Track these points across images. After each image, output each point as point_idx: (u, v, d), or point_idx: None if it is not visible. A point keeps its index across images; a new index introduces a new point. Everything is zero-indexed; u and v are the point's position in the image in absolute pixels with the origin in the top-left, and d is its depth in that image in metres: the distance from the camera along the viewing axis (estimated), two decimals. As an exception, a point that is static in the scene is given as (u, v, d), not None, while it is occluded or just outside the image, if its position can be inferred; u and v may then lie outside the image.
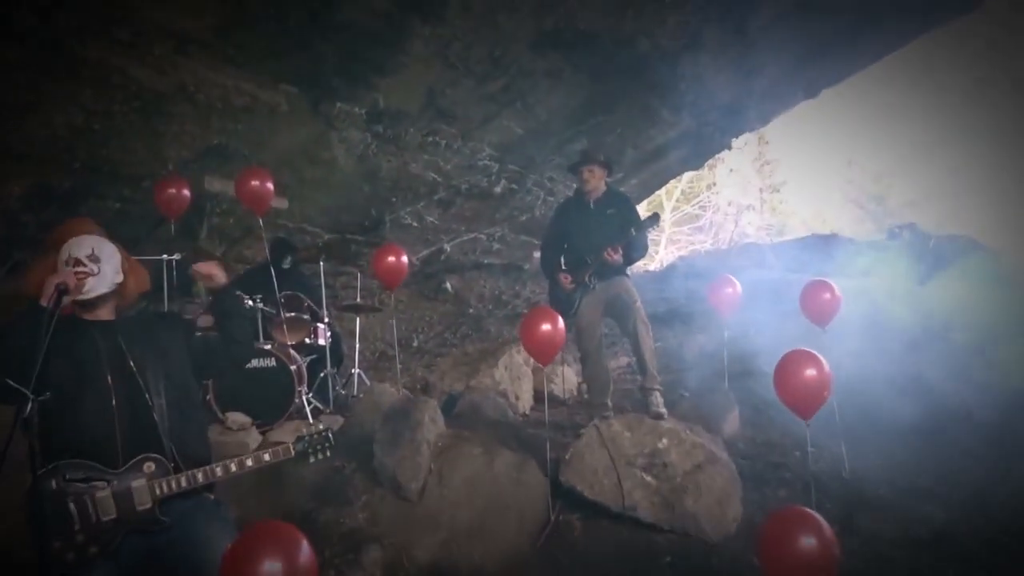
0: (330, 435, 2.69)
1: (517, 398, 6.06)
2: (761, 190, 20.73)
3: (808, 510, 2.73)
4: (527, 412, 6.11)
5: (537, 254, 10.69)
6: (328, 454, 2.70)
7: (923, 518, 4.08)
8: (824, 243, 11.05)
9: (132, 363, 2.59)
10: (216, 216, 7.21)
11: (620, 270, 5.03)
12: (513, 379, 6.11)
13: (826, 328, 5.11)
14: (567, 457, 4.35)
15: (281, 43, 5.85)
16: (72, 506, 2.39)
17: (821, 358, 3.78)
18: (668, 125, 9.25)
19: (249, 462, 2.59)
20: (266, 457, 2.60)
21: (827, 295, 5.13)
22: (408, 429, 4.40)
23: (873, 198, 19.97)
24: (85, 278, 2.57)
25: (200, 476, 2.53)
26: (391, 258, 5.98)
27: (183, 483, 2.50)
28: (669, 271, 11.14)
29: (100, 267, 2.62)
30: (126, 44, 5.31)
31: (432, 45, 6.41)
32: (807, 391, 3.75)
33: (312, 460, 2.68)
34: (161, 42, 5.42)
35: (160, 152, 6.29)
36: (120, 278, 2.72)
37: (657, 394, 4.75)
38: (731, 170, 20.40)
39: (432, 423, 4.53)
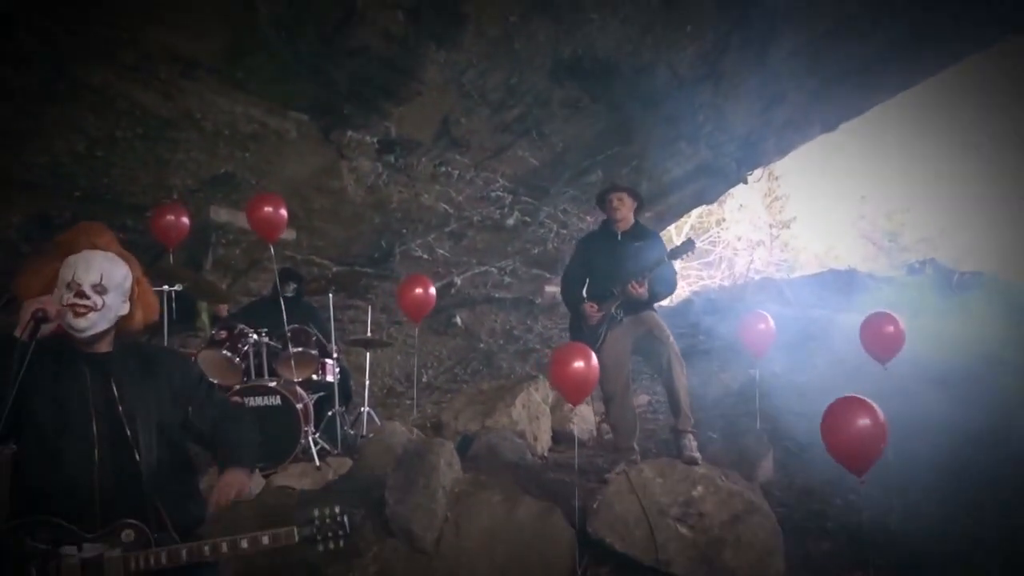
0: (346, 521, 2.33)
1: (535, 439, 5.74)
2: (771, 226, 20.54)
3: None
4: (545, 454, 5.80)
5: (549, 288, 10.49)
6: (341, 544, 2.34)
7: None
8: (843, 278, 10.79)
9: (121, 408, 2.26)
10: (221, 247, 6.99)
11: (648, 304, 4.76)
12: (531, 418, 5.80)
13: (887, 365, 4.79)
14: (595, 506, 4.02)
15: (292, 68, 5.69)
16: (34, 572, 2.07)
17: (875, 406, 3.46)
18: (685, 157, 9.08)
19: (244, 544, 2.25)
20: (264, 540, 2.26)
21: (890, 328, 4.82)
22: (423, 474, 4.09)
23: (887, 234, 19.78)
24: (85, 313, 2.21)
25: (184, 554, 2.19)
26: (419, 290, 5.75)
27: (163, 560, 2.15)
28: (685, 306, 10.86)
29: (106, 299, 2.25)
30: (131, 68, 5.16)
31: (447, 72, 6.25)
32: (861, 444, 3.41)
33: (321, 549, 2.32)
34: (167, 66, 5.26)
35: (164, 180, 6.11)
36: (126, 309, 2.35)
37: (690, 437, 4.44)
38: (740, 206, 20.25)
39: (448, 467, 4.22)
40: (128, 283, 2.35)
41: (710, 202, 12.32)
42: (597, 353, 4.31)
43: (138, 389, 2.32)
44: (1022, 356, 7.47)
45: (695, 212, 16.97)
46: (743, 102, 8.35)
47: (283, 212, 5.23)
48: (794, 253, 20.90)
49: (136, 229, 6.14)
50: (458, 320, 9.75)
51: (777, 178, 20.15)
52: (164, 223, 5.28)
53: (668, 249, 4.82)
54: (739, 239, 20.06)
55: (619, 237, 4.96)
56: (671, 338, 4.59)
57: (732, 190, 13.19)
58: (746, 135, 9.13)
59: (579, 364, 4.10)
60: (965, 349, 7.18)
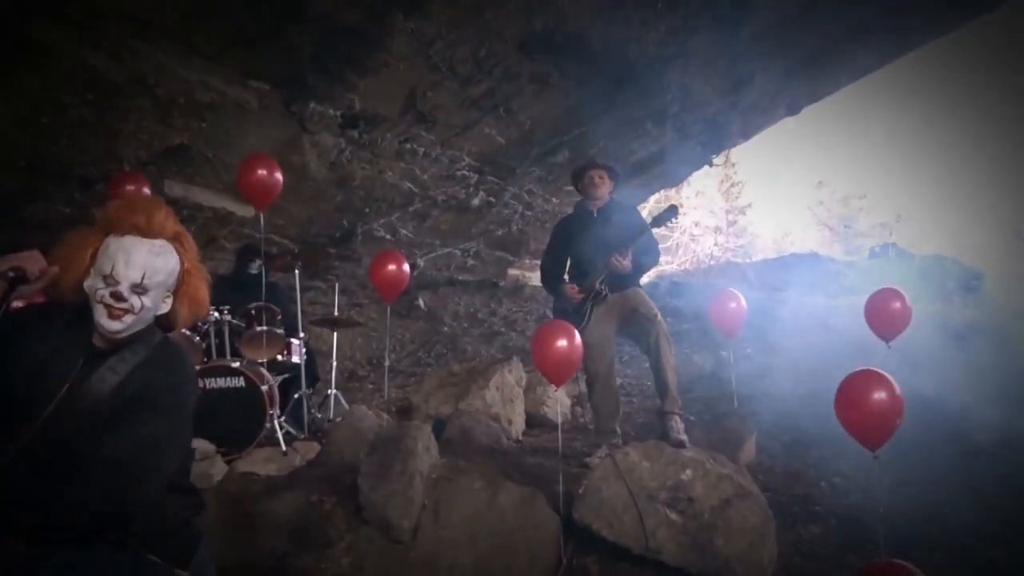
0: None
1: (510, 422, 5.56)
2: (728, 212, 20.66)
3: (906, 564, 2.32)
4: (520, 438, 5.62)
5: (512, 271, 10.30)
6: None
7: (987, 564, 3.67)
8: (806, 262, 10.84)
9: (80, 422, 1.85)
10: (175, 224, 6.62)
11: (634, 280, 4.60)
12: (505, 401, 5.61)
13: (890, 344, 4.70)
14: (580, 491, 3.85)
15: (254, 34, 5.37)
16: None
17: (891, 379, 3.36)
18: (651, 139, 8.95)
19: None
20: None
21: (897, 304, 4.71)
22: (399, 459, 3.87)
23: (843, 220, 20.05)
24: (121, 316, 1.87)
25: None
26: (392, 266, 5.49)
27: None
28: (651, 289, 10.77)
29: (144, 301, 1.90)
30: (78, 25, 4.76)
31: (415, 42, 5.98)
32: (876, 417, 3.31)
33: None
34: (118, 25, 4.89)
35: (115, 151, 5.74)
36: (167, 306, 2.00)
37: (677, 419, 4.28)
38: (698, 192, 20.35)
39: (426, 452, 4.01)
40: (173, 278, 1.98)
41: (674, 185, 12.26)
42: (582, 332, 4.13)
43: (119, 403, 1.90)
44: (980, 333, 7.62)
45: (652, 198, 16.97)
46: (711, 83, 8.24)
47: (278, 176, 4.90)
48: (750, 239, 21.07)
49: (84, 204, 5.78)
50: (421, 303, 9.51)
51: (734, 164, 20.28)
52: (124, 194, 4.92)
53: (650, 217, 4.69)
54: (696, 224, 20.14)
55: (596, 214, 4.81)
56: (659, 316, 4.43)
57: (689, 176, 13.17)
58: (713, 117, 9.03)
59: (562, 343, 3.91)
60: (930, 328, 7.28)
